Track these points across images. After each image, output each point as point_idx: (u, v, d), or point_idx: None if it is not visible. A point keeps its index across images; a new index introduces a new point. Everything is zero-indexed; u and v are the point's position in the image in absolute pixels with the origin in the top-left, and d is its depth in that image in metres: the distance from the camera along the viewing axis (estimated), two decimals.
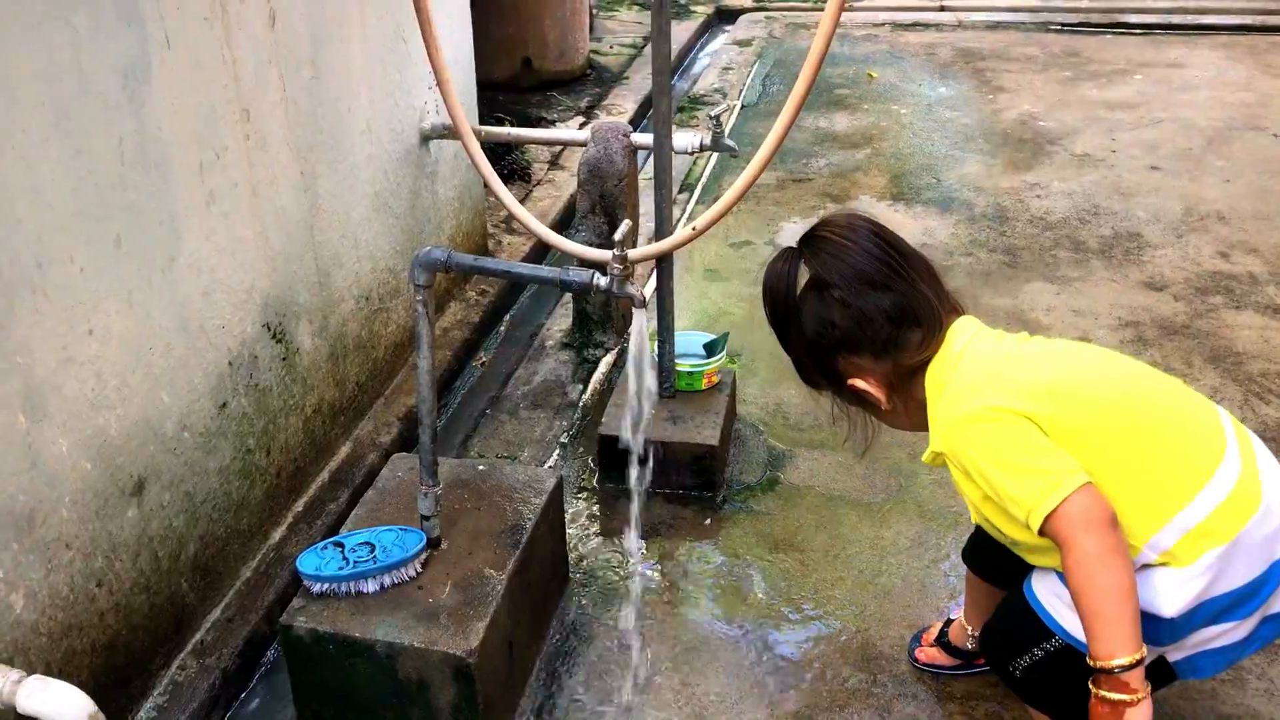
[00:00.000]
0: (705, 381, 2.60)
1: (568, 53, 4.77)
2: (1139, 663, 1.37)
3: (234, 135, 2.09)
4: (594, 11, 5.24)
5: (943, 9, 5.79)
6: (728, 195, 2.26)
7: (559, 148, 4.20)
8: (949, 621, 2.10)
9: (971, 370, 1.54)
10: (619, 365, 2.96)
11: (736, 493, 2.53)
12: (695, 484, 2.51)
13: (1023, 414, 1.45)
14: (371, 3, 2.60)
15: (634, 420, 1.82)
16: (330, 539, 1.98)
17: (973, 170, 4.06)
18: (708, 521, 2.46)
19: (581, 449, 2.69)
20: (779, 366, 2.98)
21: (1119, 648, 1.37)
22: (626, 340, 3.08)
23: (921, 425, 1.63)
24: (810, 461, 2.63)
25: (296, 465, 2.43)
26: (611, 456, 2.55)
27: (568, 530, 2.33)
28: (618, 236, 1.61)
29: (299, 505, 2.44)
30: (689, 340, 2.65)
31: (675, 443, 2.48)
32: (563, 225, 3.62)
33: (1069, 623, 1.55)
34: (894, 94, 4.79)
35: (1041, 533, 1.43)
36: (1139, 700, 1.38)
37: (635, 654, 2.11)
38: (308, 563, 1.90)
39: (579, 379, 2.92)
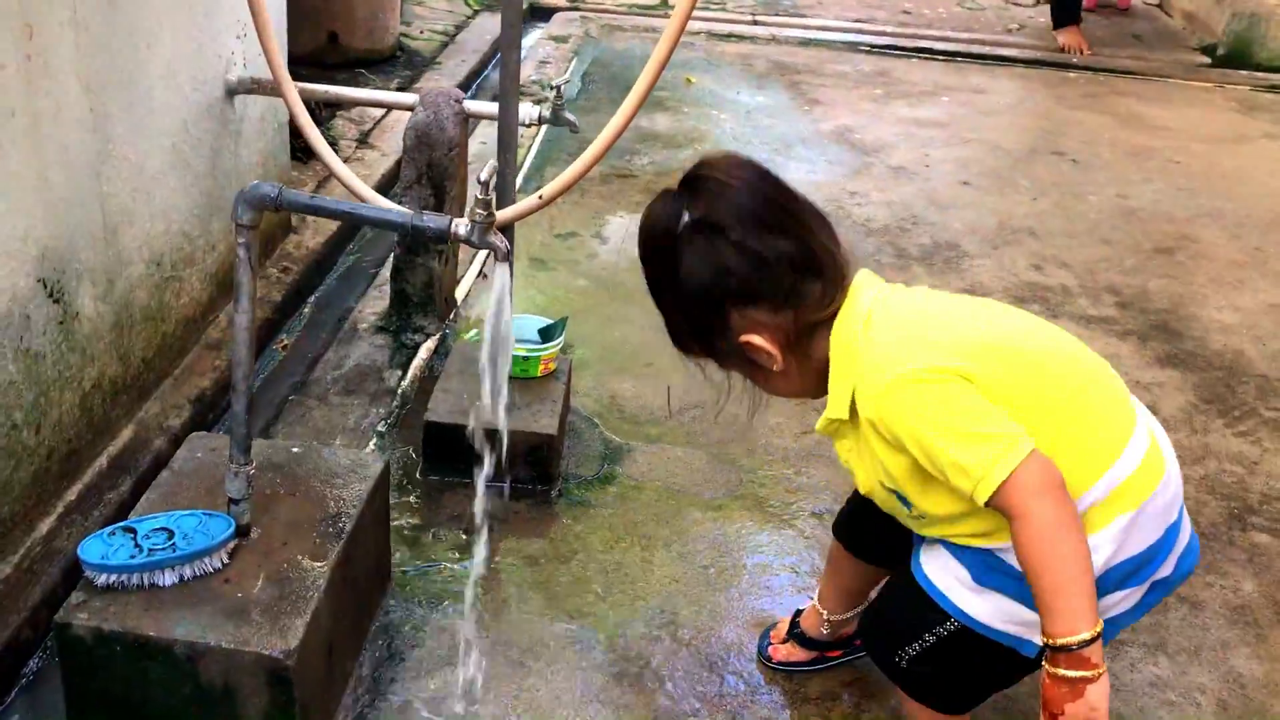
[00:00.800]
0: (541, 368, 2.42)
1: (377, 31, 4.51)
2: (1099, 636, 1.28)
3: (12, 52, 1.78)
4: None
5: (756, 23, 5.82)
6: (575, 166, 2.09)
7: (368, 126, 3.93)
8: (798, 613, 1.99)
9: (891, 328, 1.40)
10: (441, 353, 2.74)
11: (572, 487, 2.37)
12: (531, 476, 2.33)
13: (962, 374, 1.34)
14: None
15: (493, 390, 1.62)
16: (120, 524, 1.69)
17: (794, 176, 4.01)
18: (543, 517, 2.28)
19: (401, 439, 2.46)
20: (613, 358, 2.84)
21: (1080, 622, 1.27)
22: (450, 325, 2.87)
23: (812, 390, 1.49)
24: (648, 455, 2.49)
25: (71, 447, 2.10)
26: (438, 446, 2.34)
27: (390, 525, 2.10)
28: (484, 177, 1.43)
29: (72, 493, 2.11)
30: (523, 324, 2.47)
31: (511, 431, 2.28)
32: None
33: (967, 604, 1.45)
34: (713, 99, 4.76)
35: (989, 503, 1.31)
36: (1099, 675, 1.29)
37: (467, 657, 1.90)
38: (92, 550, 1.61)
39: (397, 364, 2.69)
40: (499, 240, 1.48)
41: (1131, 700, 1.97)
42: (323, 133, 3.47)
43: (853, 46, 5.66)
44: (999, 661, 1.50)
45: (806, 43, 5.67)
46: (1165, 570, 1.49)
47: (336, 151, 3.65)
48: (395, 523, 2.18)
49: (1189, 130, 4.85)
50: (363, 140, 3.84)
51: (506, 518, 2.26)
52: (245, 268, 1.56)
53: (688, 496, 2.38)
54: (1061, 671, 1.29)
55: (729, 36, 5.66)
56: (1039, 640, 1.35)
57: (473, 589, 2.02)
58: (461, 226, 1.48)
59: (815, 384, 1.49)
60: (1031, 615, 1.37)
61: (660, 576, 2.15)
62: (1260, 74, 5.59)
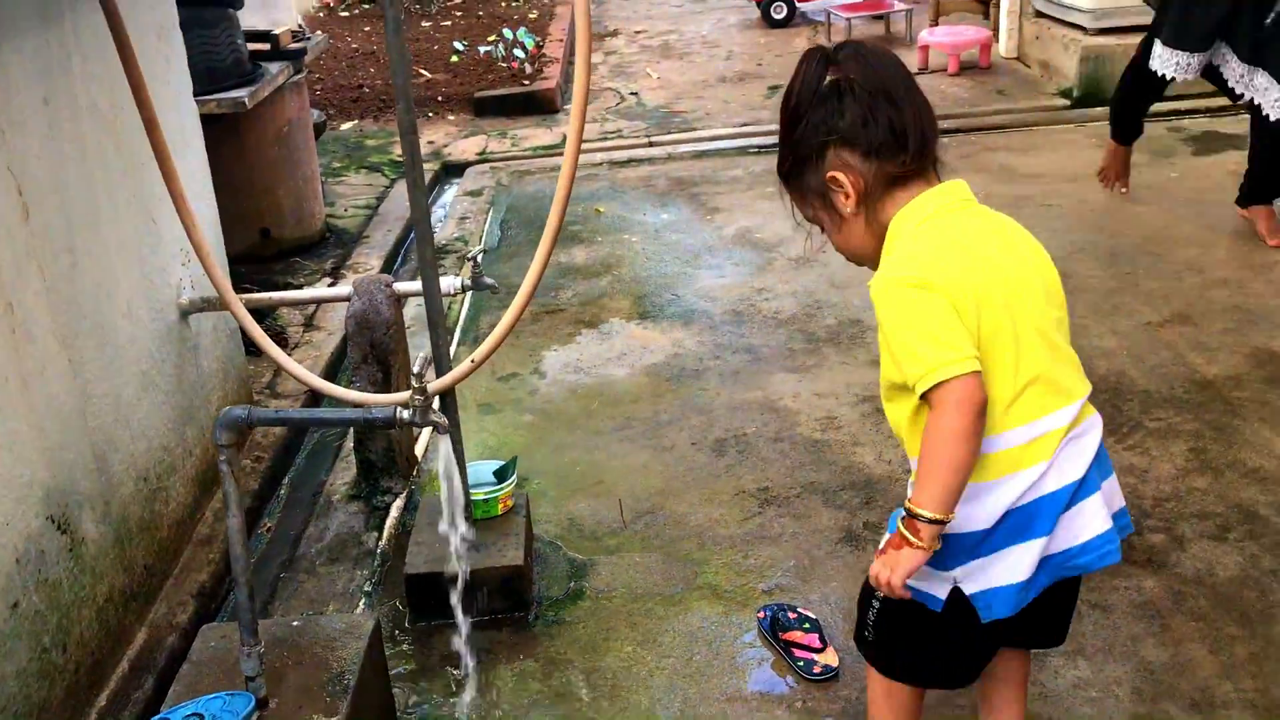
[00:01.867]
0: (501, 506, 2.70)
1: (305, 219, 4.85)
2: (941, 523, 1.62)
3: (1, 329, 2.08)
4: (323, 179, 5.36)
5: (651, 144, 6.26)
6: (499, 327, 2.41)
7: (311, 309, 4.25)
8: None
9: (927, 238, 1.69)
10: (410, 508, 3.02)
11: (546, 608, 2.63)
12: (506, 606, 2.60)
13: (949, 298, 1.63)
14: (118, 188, 2.64)
15: (453, 528, 1.90)
16: (155, 717, 1.94)
17: (706, 284, 4.40)
18: (524, 640, 2.54)
19: (387, 594, 2.72)
20: (566, 482, 3.13)
21: (933, 503, 1.62)
22: (415, 481, 3.16)
23: (869, 252, 1.78)
24: (609, 567, 2.77)
25: (94, 658, 2.35)
26: (420, 595, 2.60)
27: (389, 673, 2.36)
28: (416, 369, 1.73)
29: (101, 700, 2.35)
30: (479, 470, 2.75)
31: (481, 569, 2.56)
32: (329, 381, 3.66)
33: None
34: (622, 225, 5.14)
35: (922, 396, 1.63)
36: (920, 549, 1.64)
37: None
38: None
39: (373, 527, 2.96)
40: (439, 418, 1.78)
41: (1059, 703, 2.24)
42: (270, 322, 3.79)
43: (743, 150, 6.10)
44: (922, 623, 1.78)
45: (700, 155, 6.10)
46: (1055, 545, 1.73)
47: (285, 338, 3.97)
48: (393, 670, 2.43)
49: (1057, 173, 5.29)
50: (308, 323, 4.15)
51: (491, 647, 2.52)
52: (230, 480, 1.85)
53: (651, 597, 2.66)
54: (902, 529, 1.65)
55: (629, 162, 6.08)
56: (941, 595, 1.70)
57: (471, 715, 2.27)
58: (405, 413, 1.78)
59: (873, 248, 1.77)
60: (929, 571, 1.70)
61: (638, 673, 2.42)
62: None
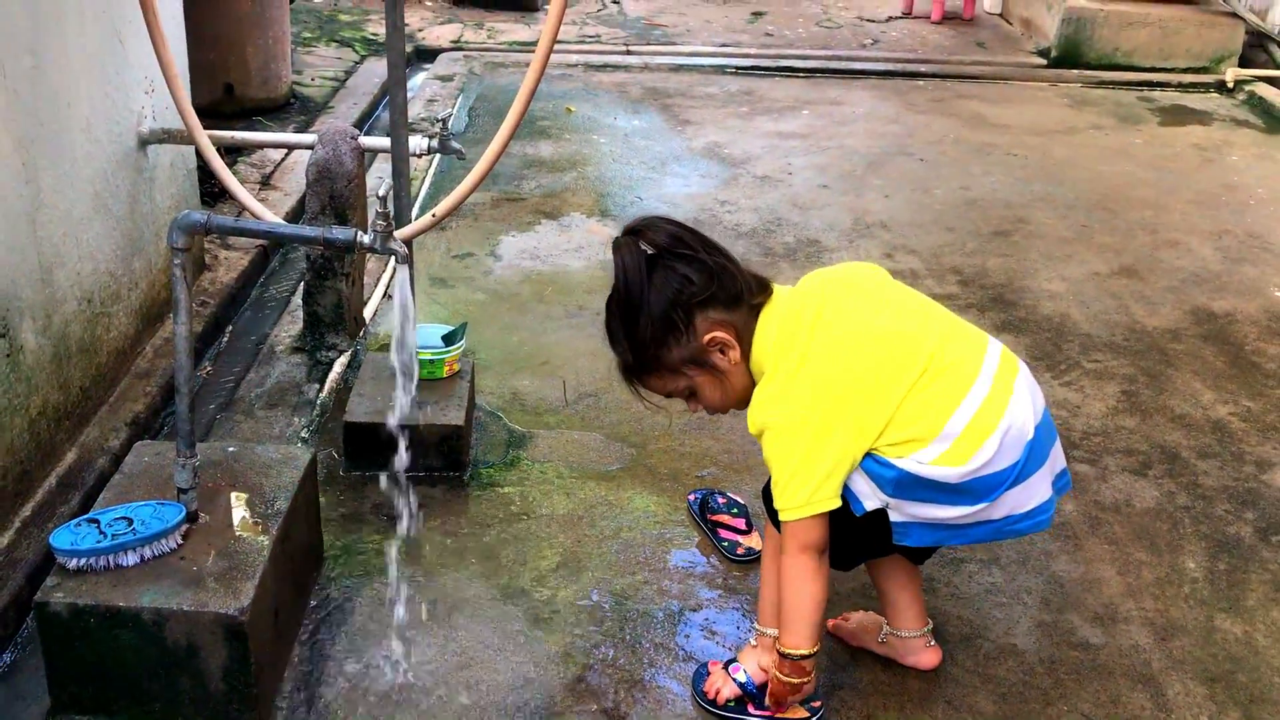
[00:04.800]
0: (446, 369, 2.71)
1: (270, 81, 4.75)
2: (814, 655, 1.87)
3: None
4: (293, 47, 5.24)
5: (629, 53, 6.20)
6: (466, 181, 2.40)
7: (269, 168, 4.19)
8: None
9: (794, 368, 1.79)
10: (354, 367, 3.01)
11: (481, 471, 2.65)
12: (442, 464, 2.61)
13: (825, 406, 1.77)
14: (87, 1, 2.57)
15: (402, 372, 1.91)
16: (83, 516, 1.94)
17: (670, 190, 4.40)
18: (457, 498, 2.56)
19: (324, 443, 2.72)
20: (512, 360, 3.14)
21: (805, 641, 1.85)
22: (360, 342, 3.15)
23: (746, 397, 1.88)
24: (548, 440, 2.79)
25: (23, 468, 2.33)
26: (357, 444, 2.61)
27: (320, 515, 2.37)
28: (381, 193, 1.72)
29: (27, 509, 2.34)
30: (427, 333, 2.75)
31: (422, 425, 2.58)
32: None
33: None
34: (592, 126, 5.10)
35: (778, 522, 1.83)
36: (809, 683, 1.91)
37: (397, 616, 2.18)
38: (62, 538, 1.86)
39: (315, 379, 2.95)
40: (399, 245, 1.78)
41: (969, 605, 2.32)
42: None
43: (720, 69, 6.07)
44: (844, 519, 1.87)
45: (677, 69, 6.06)
46: (995, 513, 1.84)
47: None
48: (325, 514, 2.44)
49: (1025, 126, 5.34)
50: (264, 183, 4.09)
51: (424, 502, 2.54)
52: (181, 285, 1.83)
53: (586, 472, 2.69)
54: (786, 676, 1.88)
55: (604, 67, 6.02)
56: (868, 507, 1.83)
57: (397, 561, 2.30)
58: (365, 236, 1.77)
59: (750, 386, 1.87)
60: (869, 485, 1.82)
61: (565, 540, 2.45)
62: (1089, 72, 6.14)
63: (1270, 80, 6.02)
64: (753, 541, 2.43)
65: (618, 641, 2.18)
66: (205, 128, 2.82)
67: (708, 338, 1.82)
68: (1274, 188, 4.72)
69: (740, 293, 1.84)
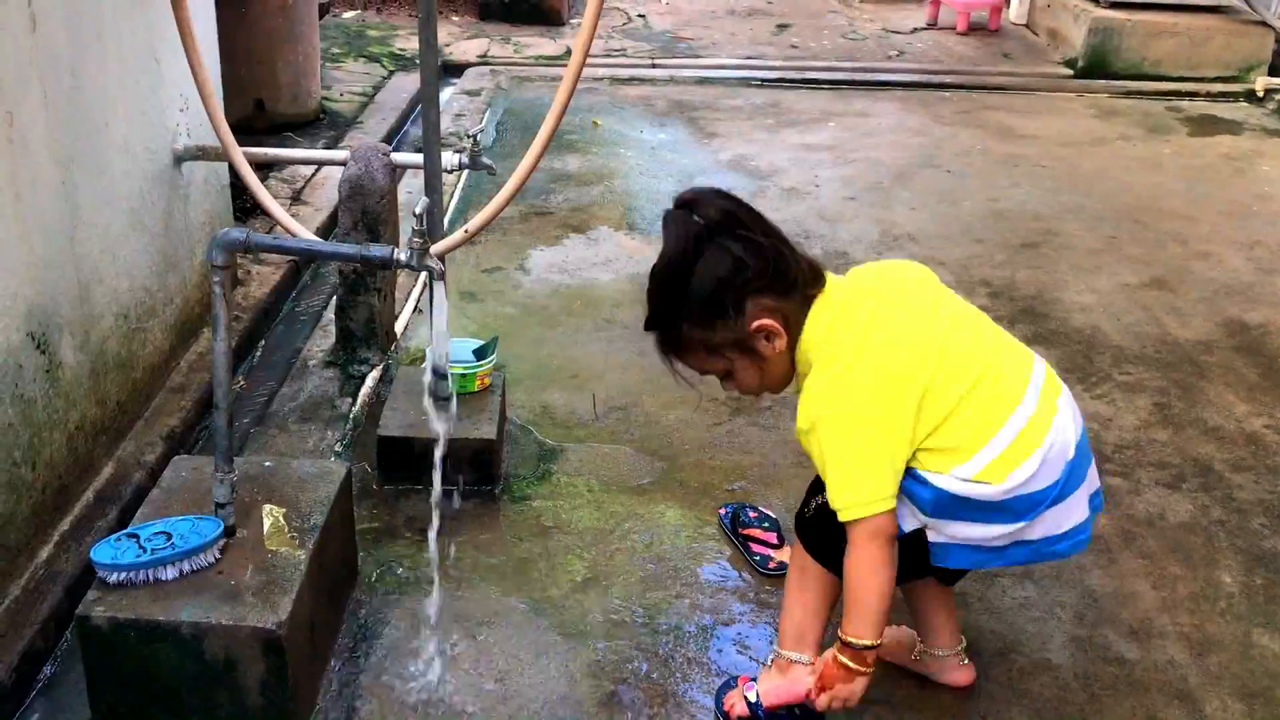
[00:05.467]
0: (478, 383, 2.73)
1: (301, 97, 4.80)
2: (877, 647, 1.80)
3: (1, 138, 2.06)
4: (322, 62, 5.29)
5: (655, 65, 6.22)
6: (498, 197, 2.42)
7: (299, 183, 4.22)
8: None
9: (852, 356, 1.75)
10: (386, 380, 3.03)
11: (513, 485, 2.67)
12: (475, 478, 2.63)
13: (887, 399, 1.73)
14: (125, 20, 2.61)
15: (435, 380, 1.92)
16: (123, 531, 1.96)
17: None
18: (489, 512, 2.58)
19: (357, 457, 2.74)
20: (542, 373, 3.15)
21: (870, 631, 1.78)
22: (392, 356, 3.17)
23: (781, 385, 1.86)
24: (579, 454, 2.80)
25: (61, 483, 2.36)
26: (391, 458, 2.63)
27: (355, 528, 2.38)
28: (418, 210, 1.74)
29: (65, 524, 2.36)
30: (460, 347, 2.77)
31: (455, 439, 2.58)
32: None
33: None
34: (619, 139, 5.12)
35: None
36: (868, 673, 1.82)
37: (432, 631, 2.19)
38: (103, 553, 1.88)
39: (348, 393, 2.97)
40: (435, 262, 1.79)
41: (1003, 619, 2.31)
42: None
43: (745, 82, 6.08)
44: None
45: (703, 81, 6.07)
46: (1033, 533, 1.83)
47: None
48: (359, 527, 2.45)
49: (1053, 137, 5.32)
50: (296, 198, 4.12)
51: (457, 516, 2.55)
52: (220, 301, 1.86)
53: (617, 485, 2.69)
54: (845, 660, 1.81)
55: (630, 80, 6.04)
56: (906, 528, 1.80)
57: (431, 578, 2.31)
58: (402, 253, 1.79)
59: (790, 374, 1.84)
60: (908, 506, 1.80)
61: (596, 554, 2.46)
62: (1116, 82, 6.11)
63: None
64: (785, 555, 2.42)
65: (650, 656, 2.18)
66: (238, 144, 2.85)
67: (755, 325, 1.75)
68: None
69: (795, 281, 1.76)
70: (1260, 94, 5.97)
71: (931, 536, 1.82)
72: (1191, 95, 6.00)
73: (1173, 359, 3.35)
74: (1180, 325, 3.55)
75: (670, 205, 1.81)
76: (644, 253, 3.93)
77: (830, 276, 1.84)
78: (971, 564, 1.90)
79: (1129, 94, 6.02)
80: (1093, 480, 1.91)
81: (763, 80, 6.08)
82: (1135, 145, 5.28)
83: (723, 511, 2.57)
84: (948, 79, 6.12)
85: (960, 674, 2.10)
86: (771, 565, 2.41)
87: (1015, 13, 7.31)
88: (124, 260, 2.63)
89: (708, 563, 2.45)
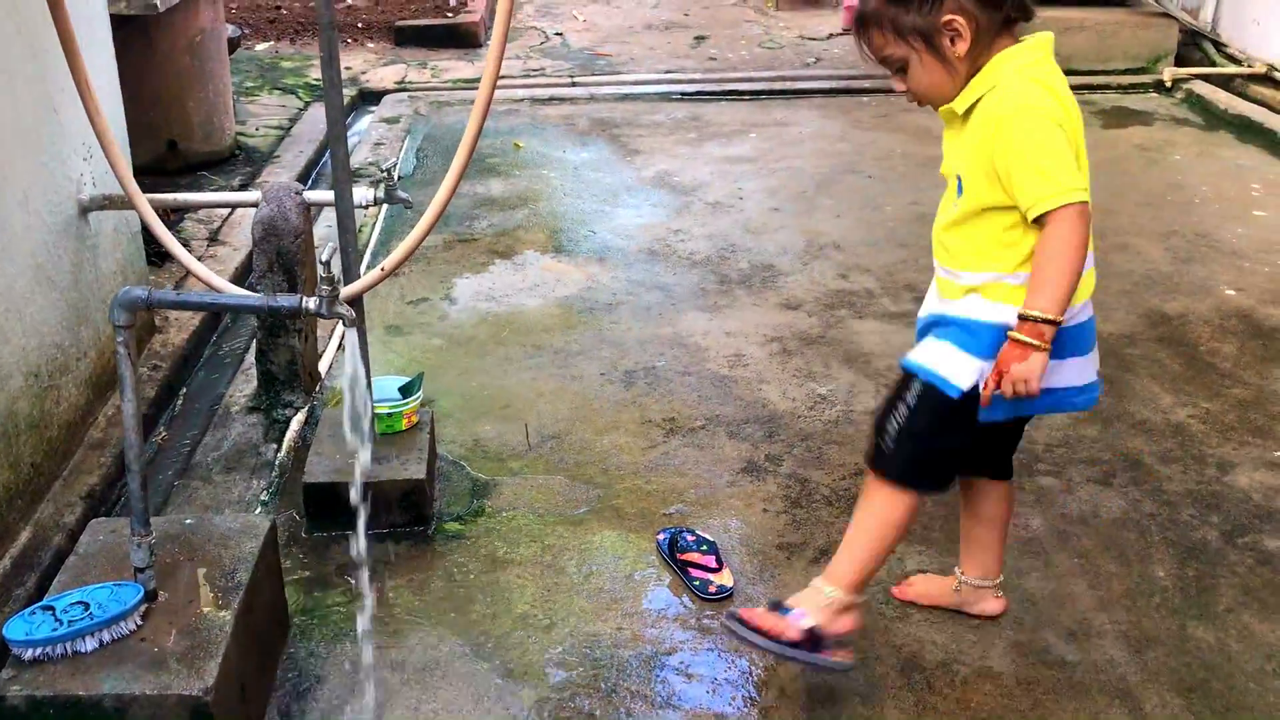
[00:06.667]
0: (405, 422, 2.68)
1: (214, 134, 4.71)
2: (1057, 324, 1.80)
3: None
4: (236, 97, 5.20)
5: (575, 84, 6.20)
6: (414, 233, 2.38)
7: (216, 223, 4.14)
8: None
9: (1045, 82, 1.84)
10: (311, 423, 2.97)
11: (446, 523, 2.62)
12: (405, 520, 2.58)
13: (1070, 142, 1.82)
14: (18, 72, 2.53)
15: (353, 433, 1.88)
16: (38, 604, 1.89)
17: (622, 222, 4.40)
18: (423, 553, 2.53)
19: (284, 505, 2.68)
20: (472, 405, 3.11)
21: (1053, 306, 1.79)
22: (317, 397, 3.11)
23: (943, 96, 1.89)
24: (513, 487, 2.77)
25: None
26: (318, 505, 2.57)
27: (284, 579, 2.33)
28: (324, 257, 1.70)
29: None
30: (384, 385, 2.72)
31: (383, 481, 2.54)
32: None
33: (931, 360, 1.93)
34: (541, 161, 5.09)
35: (1036, 219, 1.79)
36: (1044, 349, 1.81)
37: (367, 681, 2.14)
38: (16, 629, 1.82)
39: (272, 439, 2.91)
40: (345, 310, 1.75)
41: (944, 629, 2.31)
42: (175, 234, 3.68)
43: (665, 96, 6.09)
44: (937, 418, 1.94)
45: (623, 98, 6.07)
46: (1060, 378, 1.92)
47: (189, 252, 3.85)
48: (288, 578, 2.40)
49: None
50: (213, 238, 4.04)
51: (389, 559, 2.50)
52: (126, 362, 1.80)
53: (553, 517, 2.66)
54: (1021, 336, 1.81)
55: (551, 99, 6.03)
56: (964, 385, 1.89)
57: (365, 623, 2.26)
58: (310, 302, 1.75)
59: (955, 88, 1.87)
60: (962, 358, 1.90)
61: (534, 589, 2.42)
62: None
63: (1206, 78, 6.12)
64: (724, 579, 2.41)
65: (593, 692, 2.15)
66: (149, 186, 2.78)
67: (947, 18, 1.82)
68: (1217, 186, 4.79)
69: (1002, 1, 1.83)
70: (1168, 84, 6.10)
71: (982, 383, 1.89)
72: (1103, 88, 6.11)
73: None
74: (1103, 319, 3.54)
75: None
76: (570, 276, 3.91)
77: (1035, 35, 1.92)
78: (1004, 414, 1.95)
79: None
80: (1097, 358, 2.03)
81: (683, 94, 6.09)
82: None
83: (661, 537, 2.55)
84: (865, 84, 6.17)
85: (994, 604, 2.29)
86: (711, 590, 2.39)
87: None
88: (30, 318, 2.55)
89: (648, 591, 2.43)
